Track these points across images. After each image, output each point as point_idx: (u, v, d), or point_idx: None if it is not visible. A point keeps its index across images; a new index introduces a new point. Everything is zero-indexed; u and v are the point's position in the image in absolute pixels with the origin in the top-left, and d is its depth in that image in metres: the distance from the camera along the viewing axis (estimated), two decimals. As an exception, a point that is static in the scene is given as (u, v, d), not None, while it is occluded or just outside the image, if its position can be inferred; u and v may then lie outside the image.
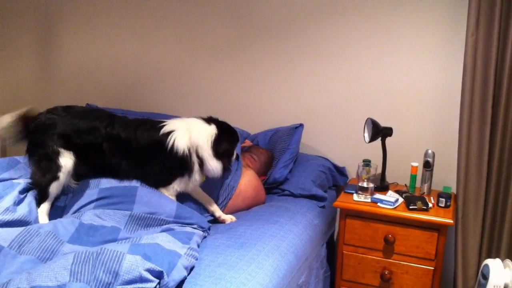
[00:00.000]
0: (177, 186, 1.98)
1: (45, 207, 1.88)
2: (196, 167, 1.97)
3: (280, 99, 2.80)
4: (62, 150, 1.91)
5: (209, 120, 2.05)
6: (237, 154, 2.36)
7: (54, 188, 1.88)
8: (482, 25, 2.14)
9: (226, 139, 2.04)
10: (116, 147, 1.96)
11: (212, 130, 2.00)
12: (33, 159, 1.94)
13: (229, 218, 2.12)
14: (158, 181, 1.97)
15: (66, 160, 1.91)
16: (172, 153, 1.92)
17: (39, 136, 1.94)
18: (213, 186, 2.18)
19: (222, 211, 2.15)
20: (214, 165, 1.98)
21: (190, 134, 1.96)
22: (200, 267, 1.61)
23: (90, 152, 1.96)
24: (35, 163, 1.93)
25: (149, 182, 1.96)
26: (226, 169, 2.04)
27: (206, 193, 2.13)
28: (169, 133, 1.95)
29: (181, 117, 2.12)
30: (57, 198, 1.93)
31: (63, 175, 1.89)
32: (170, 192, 1.98)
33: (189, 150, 1.94)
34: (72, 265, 1.37)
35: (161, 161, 1.95)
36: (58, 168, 1.89)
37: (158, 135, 1.95)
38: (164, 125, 1.98)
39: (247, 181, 2.28)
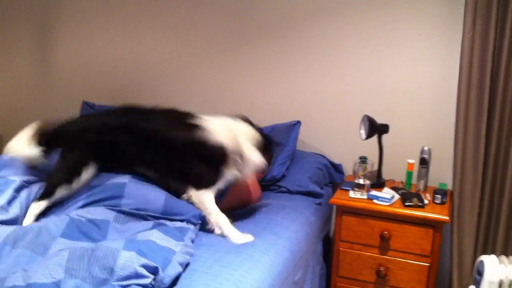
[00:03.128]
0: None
1: (41, 204, 1.84)
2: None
3: (277, 97, 2.80)
4: (90, 162, 1.90)
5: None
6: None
7: (63, 191, 1.87)
8: (479, 23, 2.14)
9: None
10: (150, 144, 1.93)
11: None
12: (60, 157, 1.93)
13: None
14: (203, 182, 1.91)
15: (89, 173, 1.90)
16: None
17: (71, 141, 1.94)
18: None
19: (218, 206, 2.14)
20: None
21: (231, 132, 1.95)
22: (196, 263, 1.61)
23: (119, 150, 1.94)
24: (59, 160, 1.92)
25: (192, 182, 1.91)
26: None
27: None
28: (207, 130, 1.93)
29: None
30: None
31: (76, 185, 1.88)
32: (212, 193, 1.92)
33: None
34: (67, 262, 1.37)
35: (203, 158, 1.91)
36: (78, 175, 1.88)
37: (203, 133, 1.91)
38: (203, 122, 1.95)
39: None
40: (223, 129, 1.93)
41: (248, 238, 1.84)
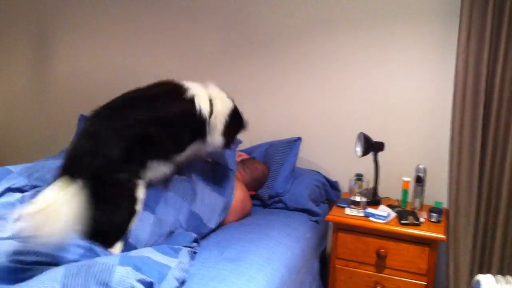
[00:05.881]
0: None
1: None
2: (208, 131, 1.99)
3: (273, 113, 2.82)
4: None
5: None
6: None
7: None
8: (473, 42, 2.18)
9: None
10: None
11: (230, 104, 2.10)
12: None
13: None
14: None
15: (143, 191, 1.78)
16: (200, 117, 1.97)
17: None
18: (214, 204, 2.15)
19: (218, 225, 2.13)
20: (218, 139, 2.03)
21: (211, 101, 2.05)
22: (192, 281, 1.59)
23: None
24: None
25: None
26: (226, 146, 2.09)
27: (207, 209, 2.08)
28: (193, 99, 2.00)
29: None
30: None
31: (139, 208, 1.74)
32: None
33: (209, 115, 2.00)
34: (63, 278, 1.35)
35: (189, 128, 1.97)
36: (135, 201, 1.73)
37: (187, 105, 1.98)
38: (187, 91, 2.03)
39: (236, 195, 2.25)
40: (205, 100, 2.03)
41: None
